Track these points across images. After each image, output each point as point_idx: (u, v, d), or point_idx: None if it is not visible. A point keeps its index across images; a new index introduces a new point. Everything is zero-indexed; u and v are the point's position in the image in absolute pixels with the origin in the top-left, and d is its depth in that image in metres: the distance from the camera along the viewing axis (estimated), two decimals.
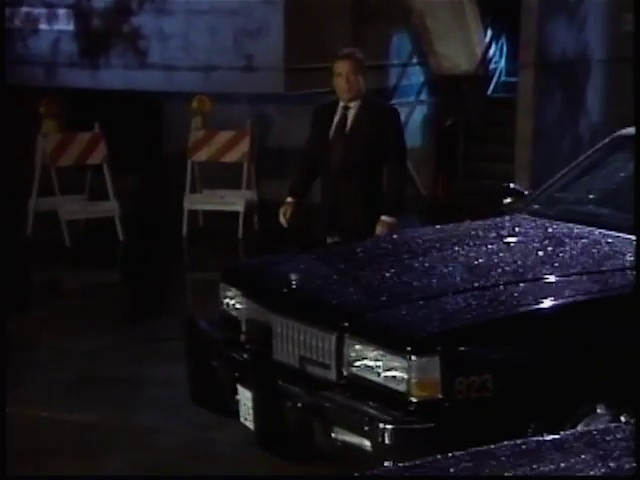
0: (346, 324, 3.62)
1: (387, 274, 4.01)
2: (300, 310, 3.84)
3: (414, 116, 12.71)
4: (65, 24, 11.17)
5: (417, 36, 12.38)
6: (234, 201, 9.58)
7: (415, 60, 12.49)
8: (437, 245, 4.34)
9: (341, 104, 5.24)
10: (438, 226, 4.79)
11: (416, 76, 12.60)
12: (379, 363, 3.48)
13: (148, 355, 6.06)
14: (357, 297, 3.82)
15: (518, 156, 10.46)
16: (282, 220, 5.35)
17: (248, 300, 4.16)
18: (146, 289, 8.03)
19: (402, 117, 12.48)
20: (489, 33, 12.68)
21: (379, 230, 5.04)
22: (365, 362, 3.54)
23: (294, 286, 3.93)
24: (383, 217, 5.10)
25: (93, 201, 9.45)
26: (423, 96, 12.77)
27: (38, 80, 10.90)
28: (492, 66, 12.76)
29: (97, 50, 11.00)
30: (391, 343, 3.45)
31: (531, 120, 10.30)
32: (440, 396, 3.34)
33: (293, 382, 3.76)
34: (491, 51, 12.70)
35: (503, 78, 12.84)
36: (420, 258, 4.16)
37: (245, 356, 3.99)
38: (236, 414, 4.03)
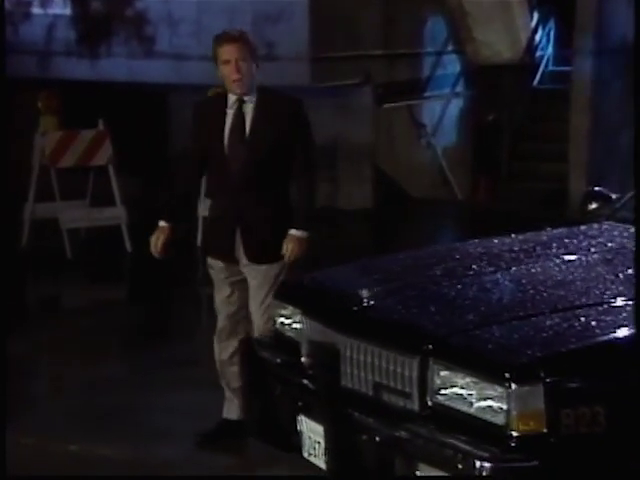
0: (430, 347, 3.60)
1: (470, 290, 4.00)
2: (374, 331, 3.82)
3: (450, 110, 12.72)
4: (61, 8, 11.20)
5: (453, 20, 12.39)
6: None
7: (451, 47, 12.50)
8: (521, 257, 4.33)
9: (232, 99, 4.81)
10: (514, 235, 4.77)
11: (452, 65, 12.61)
12: (471, 392, 3.46)
13: (160, 382, 6.05)
14: (440, 316, 3.79)
15: (573, 155, 10.45)
16: (153, 251, 4.92)
17: (309, 319, 4.15)
18: (157, 307, 8.00)
19: (438, 110, 12.68)
20: (535, 16, 12.67)
21: (289, 248, 4.79)
22: (454, 390, 3.51)
23: (365, 303, 3.91)
24: (293, 231, 4.82)
25: (97, 207, 9.45)
26: (460, 88, 12.78)
27: (30, 71, 10.92)
28: (539, 53, 12.76)
29: (97, 37, 11.02)
30: (486, 369, 3.42)
31: (587, 114, 10.31)
32: (545, 430, 3.31)
33: (367, 413, 3.73)
34: (537, 36, 12.70)
35: (551, 67, 12.85)
36: (504, 271, 4.15)
37: (308, 383, 3.98)
38: (297, 448, 4.02)
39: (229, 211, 4.83)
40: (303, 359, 4.12)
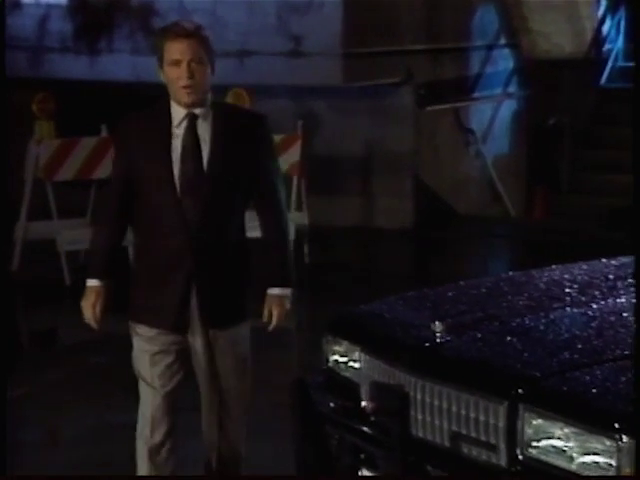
0: (520, 390, 3.54)
1: (562, 324, 3.95)
2: (452, 371, 3.78)
3: (502, 113, 12.72)
4: None
5: (506, 9, 12.40)
6: None
7: (503, 41, 12.50)
8: (618, 285, 4.30)
9: (180, 114, 4.28)
10: (605, 260, 4.76)
11: (504, 61, 12.63)
12: (571, 444, 3.40)
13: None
14: (530, 354, 3.74)
15: None
16: (90, 319, 4.38)
17: (370, 357, 4.12)
18: None
19: (489, 113, 12.65)
20: (603, 3, 12.66)
21: (275, 314, 4.37)
22: (550, 442, 3.45)
23: (439, 338, 3.87)
24: (274, 290, 4.38)
25: None
26: (513, 87, 12.78)
27: (21, 70, 10.98)
28: (606, 47, 12.74)
29: (97, 31, 11.06)
30: (590, 418, 3.36)
31: None
32: None
33: (444, 467, 3.69)
34: (605, 27, 12.68)
35: (621, 63, 12.83)
36: (601, 302, 4.11)
37: (371, 431, 3.93)
38: None
39: (181, 263, 4.28)
40: (364, 403, 4.07)
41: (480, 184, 12.55)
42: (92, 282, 4.38)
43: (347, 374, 4.27)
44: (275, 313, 4.39)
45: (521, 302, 4.24)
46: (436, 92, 11.60)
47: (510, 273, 4.90)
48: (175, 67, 4.21)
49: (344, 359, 4.30)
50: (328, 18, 10.31)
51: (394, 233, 11.09)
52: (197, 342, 4.38)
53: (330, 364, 4.38)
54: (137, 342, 4.46)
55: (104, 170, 9.35)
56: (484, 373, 3.72)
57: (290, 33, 10.47)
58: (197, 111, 4.25)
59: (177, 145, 4.25)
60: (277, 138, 9.79)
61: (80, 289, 9.25)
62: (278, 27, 10.47)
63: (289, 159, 9.71)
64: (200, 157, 4.25)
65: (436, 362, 3.85)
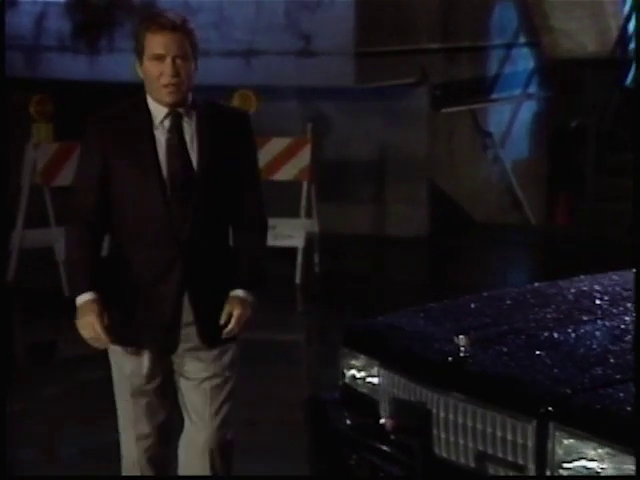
0: (550, 408, 3.51)
1: (593, 337, 3.93)
2: (477, 387, 3.75)
3: (521, 115, 12.71)
4: None
5: (526, 6, 12.39)
6: (290, 233, 9.59)
7: (523, 39, 12.50)
8: None
9: (161, 113, 4.13)
10: (636, 270, 4.71)
11: (524, 61, 12.63)
12: (605, 465, 3.37)
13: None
14: (559, 370, 3.71)
15: None
16: (98, 336, 4.01)
17: (389, 372, 4.10)
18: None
19: (508, 115, 12.62)
20: (629, 0, 12.65)
21: (236, 314, 4.11)
22: (582, 463, 3.42)
23: (463, 353, 3.85)
24: (237, 292, 4.15)
25: None
26: (533, 88, 12.76)
27: (17, 70, 10.98)
28: (632, 46, 12.72)
29: (97, 29, 11.06)
30: (625, 437, 3.32)
31: None
32: None
33: None
34: (631, 25, 12.67)
35: None
36: (634, 315, 4.06)
37: (391, 450, 3.92)
38: None
39: (170, 275, 4.10)
40: (383, 421, 4.05)
41: (498, 190, 12.53)
42: (84, 297, 4.05)
43: (365, 390, 4.27)
44: (235, 313, 4.12)
45: (549, 314, 4.23)
46: (452, 93, 11.59)
47: (536, 284, 4.88)
48: (158, 62, 4.06)
49: (362, 374, 4.29)
50: (339, 16, 10.30)
51: (408, 241, 11.07)
52: (185, 360, 4.22)
53: (346, 379, 4.37)
54: (117, 372, 4.26)
55: None
56: (511, 389, 3.69)
57: (299, 32, 10.46)
58: (180, 110, 4.11)
59: (161, 148, 4.12)
60: (286, 141, 9.85)
61: None
62: (287, 25, 10.46)
63: (298, 164, 9.71)
64: (188, 158, 4.13)
65: (460, 378, 3.83)
